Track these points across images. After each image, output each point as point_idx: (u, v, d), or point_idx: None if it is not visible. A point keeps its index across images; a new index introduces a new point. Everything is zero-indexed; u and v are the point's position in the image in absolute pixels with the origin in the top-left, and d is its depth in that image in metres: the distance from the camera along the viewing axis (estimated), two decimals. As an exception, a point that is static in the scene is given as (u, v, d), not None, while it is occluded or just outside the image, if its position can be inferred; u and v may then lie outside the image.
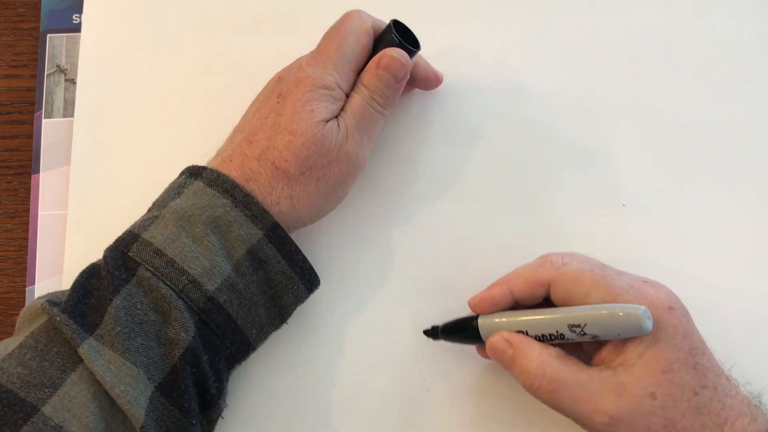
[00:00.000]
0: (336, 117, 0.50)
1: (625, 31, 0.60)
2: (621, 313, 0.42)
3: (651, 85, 0.59)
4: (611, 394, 0.43)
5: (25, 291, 0.57)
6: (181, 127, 0.59)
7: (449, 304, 0.54)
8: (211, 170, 0.48)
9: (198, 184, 0.47)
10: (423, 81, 0.56)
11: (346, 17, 0.51)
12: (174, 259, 0.45)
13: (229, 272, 0.46)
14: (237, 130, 0.52)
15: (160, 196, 0.49)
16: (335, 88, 0.49)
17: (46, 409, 0.41)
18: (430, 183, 0.57)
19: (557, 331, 0.45)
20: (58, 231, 0.58)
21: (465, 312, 0.50)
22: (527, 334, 0.46)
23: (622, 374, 0.43)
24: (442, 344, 0.53)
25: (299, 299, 0.50)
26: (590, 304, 0.44)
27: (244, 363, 0.49)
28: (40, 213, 0.58)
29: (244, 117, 0.52)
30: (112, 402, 0.42)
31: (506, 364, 0.47)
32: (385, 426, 0.52)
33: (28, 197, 0.59)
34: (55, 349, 0.43)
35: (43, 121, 0.60)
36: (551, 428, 0.52)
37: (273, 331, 0.50)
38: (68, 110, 0.60)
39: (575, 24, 0.60)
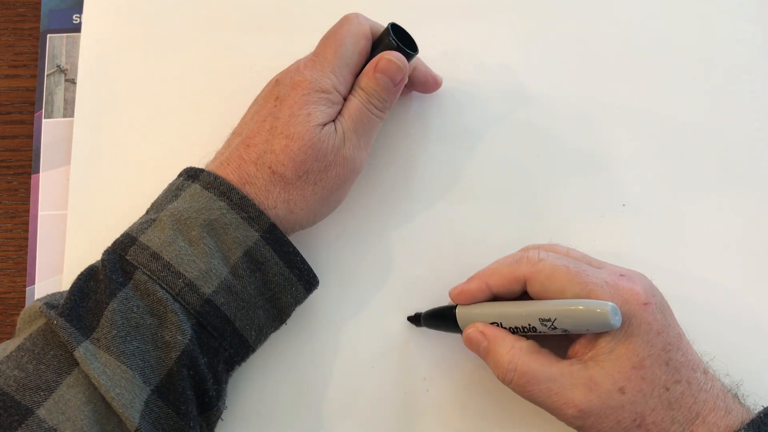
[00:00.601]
0: (333, 120, 0.50)
1: (624, 31, 0.60)
2: (588, 309, 0.42)
3: (651, 85, 0.59)
4: (581, 388, 0.43)
5: (25, 291, 0.57)
6: (180, 127, 0.59)
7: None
8: (208, 173, 0.48)
9: (195, 187, 0.47)
10: (421, 84, 0.56)
11: (345, 20, 0.51)
12: (170, 262, 0.45)
13: (226, 275, 0.46)
14: (235, 133, 0.52)
15: (158, 198, 0.49)
16: (333, 92, 0.49)
17: (41, 412, 0.41)
18: (429, 185, 0.57)
19: (529, 324, 0.45)
20: (58, 231, 0.58)
21: None
22: (502, 325, 0.47)
23: (592, 368, 0.44)
24: (443, 344, 0.53)
25: (298, 300, 0.50)
26: (564, 299, 0.45)
27: (243, 364, 0.49)
28: (40, 213, 0.58)
29: (242, 120, 0.52)
30: (107, 405, 0.42)
31: (481, 355, 0.48)
32: (384, 426, 0.53)
33: (28, 197, 0.59)
34: (51, 353, 0.43)
35: (43, 121, 0.60)
36: (551, 428, 0.52)
37: (272, 332, 0.50)
38: (68, 110, 0.60)
39: (574, 25, 0.60)
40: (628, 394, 0.43)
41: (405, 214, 0.57)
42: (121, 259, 0.46)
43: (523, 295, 0.48)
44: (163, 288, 0.45)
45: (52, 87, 0.61)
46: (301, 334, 0.54)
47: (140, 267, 0.45)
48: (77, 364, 0.43)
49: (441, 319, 0.51)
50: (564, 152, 0.58)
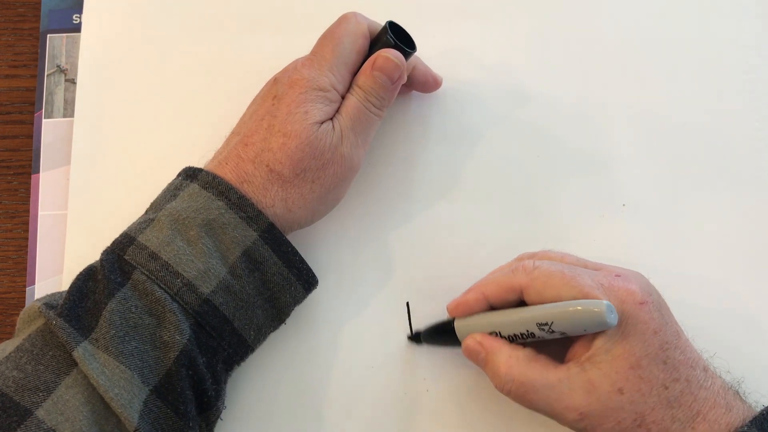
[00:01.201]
0: (331, 119, 0.50)
1: (624, 31, 0.60)
2: (583, 309, 0.42)
3: (651, 85, 0.59)
4: (580, 391, 0.44)
5: (25, 291, 0.57)
6: (180, 127, 0.59)
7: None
8: (207, 173, 0.48)
9: (193, 187, 0.47)
10: (421, 84, 0.56)
11: (343, 19, 0.51)
12: (168, 262, 0.45)
13: (225, 274, 0.46)
14: (234, 133, 0.52)
15: (157, 198, 0.49)
16: (330, 90, 0.49)
17: (40, 413, 0.41)
18: (429, 184, 0.57)
19: (527, 330, 0.45)
20: (58, 231, 0.58)
21: None
22: (501, 334, 0.47)
23: (590, 371, 0.44)
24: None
25: (297, 300, 0.50)
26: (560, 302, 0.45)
27: (242, 364, 0.49)
28: (40, 213, 0.58)
29: (241, 119, 0.52)
30: (105, 405, 0.42)
31: (480, 365, 0.48)
32: (384, 426, 0.53)
33: (28, 197, 0.59)
34: (50, 353, 0.43)
35: (43, 121, 0.60)
36: (550, 428, 0.52)
37: (271, 331, 0.50)
38: (68, 110, 0.60)
39: (574, 25, 0.60)
40: (627, 395, 0.43)
41: (405, 214, 0.57)
42: (120, 259, 0.46)
43: (520, 305, 0.47)
44: (161, 288, 0.45)
45: (52, 87, 0.61)
46: (300, 334, 0.54)
47: (139, 267, 0.45)
48: (76, 364, 0.43)
49: (441, 333, 0.51)
50: (564, 152, 0.57)
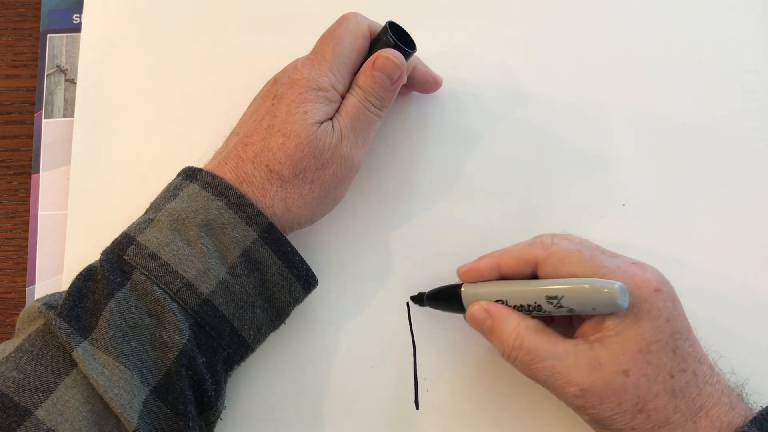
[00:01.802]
0: (331, 119, 0.50)
1: (624, 31, 0.60)
2: (595, 287, 0.42)
3: (651, 85, 0.59)
4: (585, 367, 0.43)
5: (25, 291, 0.57)
6: (180, 127, 0.59)
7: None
8: (206, 173, 0.48)
9: (193, 187, 0.47)
10: (421, 85, 0.56)
11: (343, 19, 0.51)
12: (168, 262, 0.45)
13: (224, 275, 0.46)
14: (233, 133, 0.52)
15: (157, 198, 0.49)
16: (330, 90, 0.49)
17: (40, 413, 0.41)
18: (429, 184, 0.57)
19: (535, 302, 0.45)
20: (58, 231, 0.58)
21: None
22: (507, 303, 0.47)
23: (597, 349, 0.44)
24: (443, 344, 0.53)
25: (297, 299, 0.50)
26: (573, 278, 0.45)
27: (242, 364, 0.49)
28: (40, 213, 0.58)
29: (240, 119, 0.52)
30: (105, 406, 0.42)
31: (485, 333, 0.47)
32: (384, 426, 0.53)
33: (28, 197, 0.59)
34: (50, 353, 0.43)
35: (43, 121, 0.60)
36: (550, 428, 0.52)
37: (271, 331, 0.50)
38: (68, 110, 0.60)
39: (574, 25, 0.60)
40: (632, 377, 0.43)
41: (405, 214, 0.57)
42: (120, 259, 0.46)
43: (533, 278, 0.47)
44: (161, 288, 0.45)
45: (52, 87, 0.61)
46: (300, 334, 0.54)
47: (138, 267, 0.45)
48: (76, 364, 0.43)
49: (445, 297, 0.51)
50: (564, 152, 0.57)
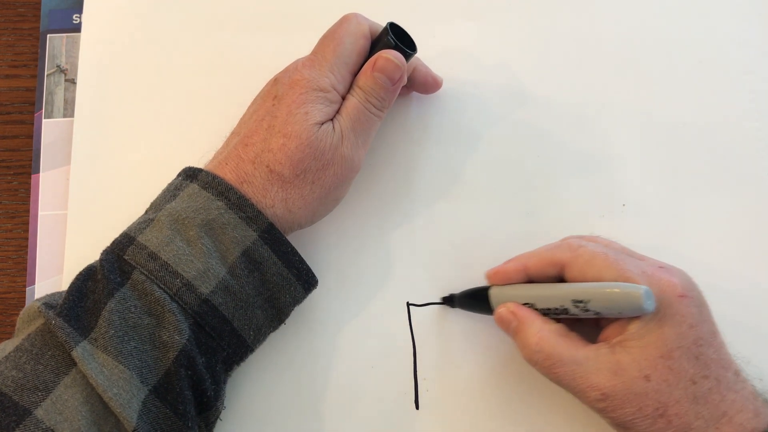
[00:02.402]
0: (331, 119, 0.50)
1: (624, 32, 0.60)
2: (621, 291, 0.42)
3: (651, 85, 0.59)
4: (606, 372, 0.44)
5: (25, 291, 0.57)
6: (180, 127, 0.59)
7: (447, 306, 0.54)
8: (206, 173, 0.48)
9: (193, 187, 0.47)
10: (421, 85, 0.56)
11: (344, 20, 0.51)
12: (168, 262, 0.45)
13: (224, 275, 0.46)
14: (234, 133, 0.52)
15: (157, 198, 0.49)
16: (331, 91, 0.49)
17: (39, 413, 0.41)
18: (429, 185, 0.57)
19: (561, 306, 0.46)
20: (58, 231, 0.58)
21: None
22: (535, 307, 0.47)
23: (619, 353, 0.44)
24: (442, 344, 0.54)
25: (297, 300, 0.50)
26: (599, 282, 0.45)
27: (242, 364, 0.49)
28: (40, 213, 0.58)
29: (241, 119, 0.52)
30: (104, 405, 0.42)
31: (511, 334, 0.48)
32: (384, 426, 0.53)
33: (28, 197, 0.59)
34: (49, 353, 0.43)
35: (43, 121, 0.60)
36: (550, 427, 0.52)
37: (271, 332, 0.50)
38: (68, 110, 0.60)
39: (574, 25, 0.60)
40: (653, 382, 0.43)
41: (405, 214, 0.57)
42: (119, 259, 0.46)
43: (560, 281, 0.48)
44: (160, 288, 0.45)
45: (52, 87, 0.61)
46: (300, 334, 0.54)
47: (138, 267, 0.45)
48: (75, 364, 0.43)
49: (474, 299, 0.52)
50: (564, 152, 0.57)
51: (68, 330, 0.43)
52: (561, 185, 0.57)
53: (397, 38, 0.51)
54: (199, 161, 0.51)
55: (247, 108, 0.53)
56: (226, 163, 0.48)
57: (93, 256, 0.48)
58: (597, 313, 0.44)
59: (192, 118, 0.59)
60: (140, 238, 0.46)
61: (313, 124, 0.48)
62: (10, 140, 0.61)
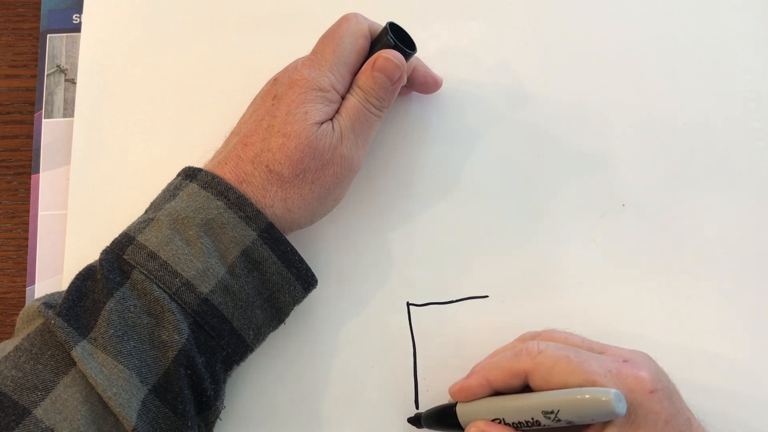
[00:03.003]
0: (331, 119, 0.50)
1: (624, 31, 0.60)
2: (591, 398, 0.40)
3: (651, 85, 0.59)
4: None
5: (25, 291, 0.57)
6: (180, 127, 0.59)
7: (447, 306, 0.54)
8: (206, 172, 0.48)
9: (192, 187, 0.47)
10: (421, 85, 0.56)
11: (343, 20, 0.51)
12: (167, 261, 0.45)
13: (224, 274, 0.46)
14: (233, 133, 0.52)
15: (157, 198, 0.49)
16: (330, 90, 0.49)
17: (38, 412, 0.41)
18: (429, 184, 0.57)
19: (532, 418, 0.43)
20: (58, 231, 0.58)
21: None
22: (504, 421, 0.45)
23: None
24: (442, 343, 0.54)
25: (296, 299, 0.50)
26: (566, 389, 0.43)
27: (242, 364, 0.49)
28: (40, 213, 0.58)
29: (240, 119, 0.52)
30: (104, 405, 0.42)
31: None
32: (384, 426, 0.52)
33: (28, 197, 0.59)
34: (49, 352, 0.43)
35: (43, 121, 0.60)
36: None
37: (271, 331, 0.50)
38: (68, 110, 0.60)
39: (574, 25, 0.60)
40: None
41: (405, 214, 0.57)
42: (119, 259, 0.46)
43: (525, 389, 0.46)
44: (159, 287, 0.45)
45: (52, 87, 0.61)
46: (299, 334, 0.54)
47: (137, 266, 0.45)
48: (74, 363, 0.43)
49: (442, 417, 0.49)
50: (564, 152, 0.57)
51: (68, 329, 0.43)
52: (561, 185, 0.57)
53: (397, 38, 0.51)
54: (199, 161, 0.51)
55: (246, 108, 0.53)
56: (226, 163, 0.48)
57: (93, 256, 0.48)
58: (569, 422, 0.42)
59: (192, 118, 0.59)
60: (140, 238, 0.46)
61: (313, 124, 0.48)
62: (10, 140, 0.61)
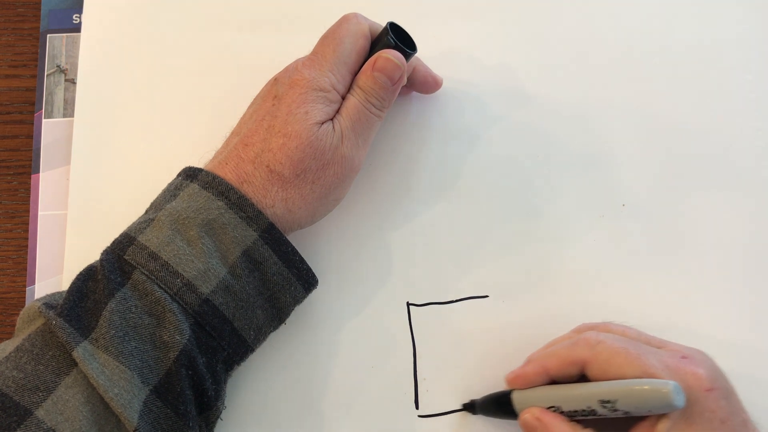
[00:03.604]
0: (331, 119, 0.50)
1: (624, 32, 0.60)
2: (649, 389, 0.41)
3: (651, 85, 0.59)
4: None
5: (25, 291, 0.57)
6: (180, 127, 0.59)
7: (447, 306, 0.55)
8: (207, 173, 0.48)
9: (193, 187, 0.47)
10: (421, 85, 0.56)
11: (344, 20, 0.51)
12: (168, 262, 0.45)
13: (225, 274, 0.46)
14: (234, 133, 0.52)
15: (157, 198, 0.49)
16: (331, 90, 0.49)
17: (40, 413, 0.41)
18: (429, 185, 0.57)
19: (588, 407, 0.44)
20: (58, 231, 0.58)
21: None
22: (560, 409, 0.45)
23: None
24: (442, 343, 0.54)
25: (297, 300, 0.50)
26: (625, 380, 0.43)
27: (243, 364, 0.49)
28: (40, 213, 0.58)
29: (241, 119, 0.52)
30: (105, 405, 0.42)
31: None
32: (384, 426, 0.52)
33: (28, 197, 0.59)
34: (50, 353, 0.43)
35: (43, 121, 0.60)
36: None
37: (271, 331, 0.50)
38: (68, 110, 0.60)
39: (574, 26, 0.60)
40: None
41: (405, 214, 0.57)
42: (120, 259, 0.46)
43: (581, 378, 0.46)
44: (161, 288, 0.44)
45: (52, 87, 0.61)
46: (300, 334, 0.54)
47: (138, 267, 0.45)
48: (76, 364, 0.43)
49: (497, 404, 0.50)
50: (564, 152, 0.57)
51: (69, 330, 0.43)
52: (561, 185, 0.57)
53: (397, 38, 0.51)
54: (199, 161, 0.51)
55: (247, 108, 0.53)
56: (226, 163, 0.48)
57: (93, 256, 0.48)
58: (626, 413, 0.42)
59: (192, 118, 0.59)
60: (140, 238, 0.46)
61: (313, 124, 0.48)
62: (10, 140, 0.61)
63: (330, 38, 0.51)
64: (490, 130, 0.58)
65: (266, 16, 0.62)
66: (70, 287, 0.46)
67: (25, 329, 0.45)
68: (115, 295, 0.44)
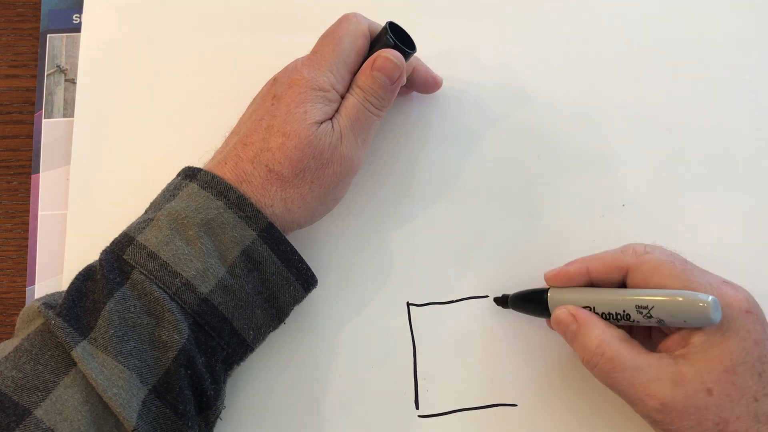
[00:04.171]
0: (330, 119, 0.50)
1: (624, 32, 0.60)
2: (688, 300, 0.42)
3: (651, 85, 0.59)
4: (667, 382, 0.43)
5: (25, 291, 0.57)
6: (180, 127, 0.59)
7: (447, 306, 0.55)
8: (206, 172, 0.48)
9: (192, 187, 0.47)
10: (421, 85, 0.56)
11: (343, 20, 0.51)
12: (167, 261, 0.45)
13: (224, 274, 0.46)
14: (233, 133, 0.52)
15: (157, 198, 0.49)
16: (330, 90, 0.49)
17: (39, 413, 0.41)
18: (429, 184, 0.57)
19: (624, 311, 0.45)
20: (58, 231, 0.58)
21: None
22: (594, 310, 0.46)
23: (682, 365, 0.43)
24: (442, 343, 0.54)
25: (296, 299, 0.50)
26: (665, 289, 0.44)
27: (242, 364, 0.49)
28: (40, 213, 0.58)
29: (240, 119, 0.52)
30: (104, 405, 0.42)
31: (569, 338, 0.47)
32: (384, 426, 0.53)
33: (28, 197, 0.59)
34: (49, 353, 0.43)
35: (43, 121, 0.60)
36: (550, 427, 0.52)
37: (271, 331, 0.50)
38: (68, 110, 0.60)
39: (574, 25, 0.60)
40: (715, 397, 0.42)
41: (405, 214, 0.57)
42: (119, 259, 0.46)
43: (620, 286, 0.47)
44: (160, 287, 0.44)
45: (52, 87, 0.61)
46: (300, 334, 0.54)
47: (137, 266, 0.45)
48: (75, 364, 0.43)
49: (530, 301, 0.51)
50: (564, 152, 0.57)
51: (68, 330, 0.43)
52: (561, 185, 0.57)
53: (397, 38, 0.51)
54: (199, 161, 0.51)
55: (246, 108, 0.53)
56: (225, 163, 0.48)
57: (93, 256, 0.48)
58: (660, 321, 0.43)
59: (192, 118, 0.59)
60: (140, 238, 0.46)
61: (312, 124, 0.48)
62: (10, 140, 0.61)
63: (329, 38, 0.51)
64: (490, 130, 0.58)
65: (266, 16, 0.62)
66: (69, 287, 0.46)
67: (24, 329, 0.45)
68: (114, 295, 0.44)
